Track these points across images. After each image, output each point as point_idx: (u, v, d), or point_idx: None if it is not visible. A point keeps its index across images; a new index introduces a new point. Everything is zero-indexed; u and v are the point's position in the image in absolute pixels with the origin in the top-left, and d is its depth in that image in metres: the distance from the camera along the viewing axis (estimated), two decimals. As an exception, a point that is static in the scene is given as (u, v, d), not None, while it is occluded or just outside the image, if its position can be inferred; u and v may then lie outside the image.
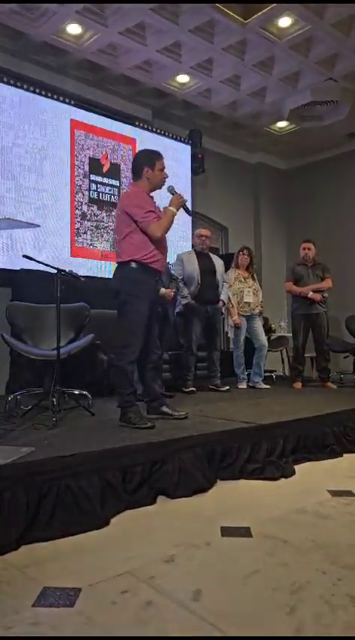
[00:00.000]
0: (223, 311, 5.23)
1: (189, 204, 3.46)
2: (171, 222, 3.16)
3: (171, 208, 3.17)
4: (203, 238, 5.07)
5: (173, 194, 3.26)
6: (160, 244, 3.18)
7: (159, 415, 3.31)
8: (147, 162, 3.19)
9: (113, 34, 5.22)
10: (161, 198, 3.34)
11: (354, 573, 1.61)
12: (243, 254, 5.53)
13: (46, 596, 1.47)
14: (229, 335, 5.50)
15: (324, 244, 6.63)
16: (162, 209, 3.24)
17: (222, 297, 5.08)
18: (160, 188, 3.28)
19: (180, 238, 6.32)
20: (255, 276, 5.62)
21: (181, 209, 3.27)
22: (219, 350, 5.16)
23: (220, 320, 5.23)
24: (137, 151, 3.35)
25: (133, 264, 3.09)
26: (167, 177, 3.27)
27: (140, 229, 3.09)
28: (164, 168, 3.24)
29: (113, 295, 3.20)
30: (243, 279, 5.44)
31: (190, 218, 5.44)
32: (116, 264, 3.26)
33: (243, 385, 5.37)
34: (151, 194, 3.27)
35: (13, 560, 1.74)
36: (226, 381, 5.25)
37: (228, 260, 5.68)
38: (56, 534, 1.92)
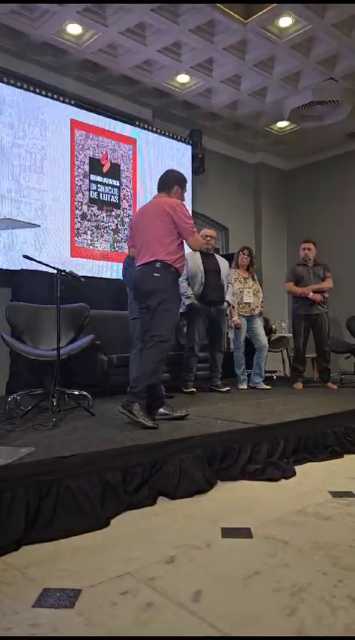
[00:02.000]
0: (228, 312, 5.22)
1: (189, 205, 3.58)
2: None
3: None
4: (208, 239, 5.05)
5: None
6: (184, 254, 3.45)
7: (159, 416, 3.33)
8: (180, 182, 3.47)
9: (113, 34, 5.22)
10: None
11: (355, 574, 1.60)
12: (243, 254, 5.52)
13: (46, 597, 1.47)
14: (229, 335, 5.50)
15: (325, 244, 6.63)
16: None
17: (227, 297, 5.08)
18: None
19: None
20: (255, 276, 5.61)
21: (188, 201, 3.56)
22: (222, 351, 5.15)
23: (224, 321, 5.22)
24: (169, 169, 3.62)
25: (171, 267, 3.29)
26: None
27: (182, 237, 3.33)
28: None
29: (145, 295, 3.30)
30: (242, 280, 5.44)
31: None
32: (145, 263, 3.31)
33: (244, 386, 5.36)
34: None
35: (13, 561, 1.73)
36: (226, 381, 5.24)
37: (229, 260, 5.67)
38: (56, 535, 1.92)
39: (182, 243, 3.36)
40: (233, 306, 5.25)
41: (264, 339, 5.46)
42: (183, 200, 3.48)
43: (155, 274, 3.24)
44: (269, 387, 5.41)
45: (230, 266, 5.60)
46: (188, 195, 6.59)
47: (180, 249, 3.34)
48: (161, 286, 3.23)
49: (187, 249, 3.43)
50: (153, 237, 3.29)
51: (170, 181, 3.42)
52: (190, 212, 3.72)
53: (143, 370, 3.21)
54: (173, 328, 3.29)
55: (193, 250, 3.36)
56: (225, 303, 5.06)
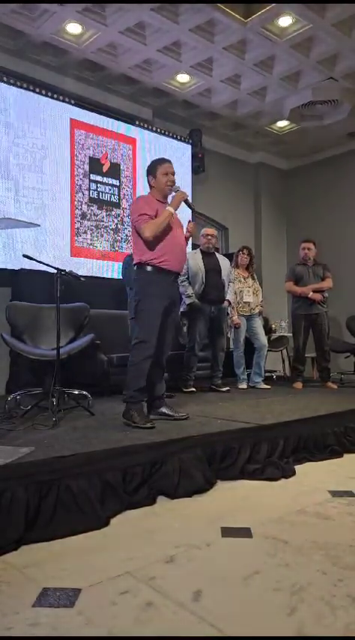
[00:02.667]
0: (229, 311, 5.21)
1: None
2: (164, 221, 3.16)
3: (168, 208, 3.22)
4: (209, 237, 5.04)
5: (176, 192, 3.31)
6: (168, 245, 3.20)
7: (159, 416, 3.32)
8: (150, 171, 3.36)
9: (113, 34, 5.21)
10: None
11: (355, 574, 1.60)
12: (243, 254, 5.52)
13: (45, 597, 1.47)
14: (229, 335, 5.50)
15: (325, 244, 6.63)
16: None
17: (228, 296, 5.07)
18: (169, 193, 3.31)
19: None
20: (254, 275, 5.61)
21: (184, 205, 3.32)
22: (223, 351, 5.13)
23: (225, 320, 5.20)
24: None
25: (146, 267, 3.20)
26: (172, 180, 3.31)
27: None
28: (169, 172, 3.30)
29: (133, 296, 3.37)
30: (242, 279, 5.43)
31: (191, 218, 5.44)
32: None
33: (244, 385, 5.36)
34: (163, 199, 3.33)
35: (13, 561, 1.73)
36: (226, 381, 5.24)
37: (229, 260, 5.67)
38: (56, 534, 1.92)
39: (160, 239, 3.19)
40: (233, 306, 5.25)
41: (263, 338, 5.45)
42: (168, 181, 3.27)
43: (135, 277, 3.29)
44: (268, 387, 5.41)
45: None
46: (188, 194, 6.62)
47: (154, 244, 3.16)
48: (137, 287, 3.27)
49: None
50: (133, 242, 3.34)
51: (147, 178, 3.39)
52: (192, 205, 3.56)
53: (128, 375, 3.20)
54: (150, 327, 3.15)
55: (145, 238, 3.10)
56: (226, 302, 5.05)
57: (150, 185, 3.37)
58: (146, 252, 3.19)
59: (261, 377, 5.46)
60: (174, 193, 3.30)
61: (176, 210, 3.26)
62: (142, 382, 3.15)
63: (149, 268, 3.19)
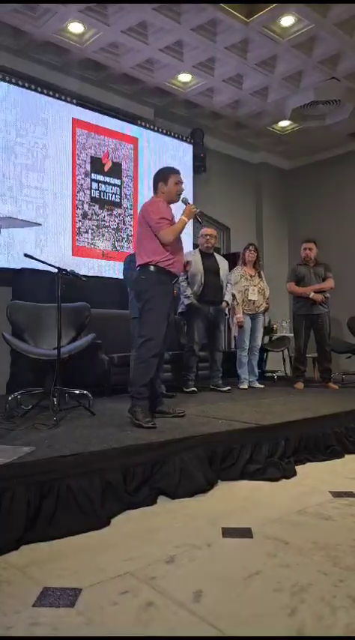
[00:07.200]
0: (226, 312, 5.20)
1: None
2: (182, 229, 3.38)
3: (183, 218, 3.40)
4: (208, 237, 5.02)
5: (186, 204, 3.46)
6: (175, 249, 3.37)
7: (157, 414, 3.36)
8: (161, 177, 3.46)
9: (115, 33, 5.21)
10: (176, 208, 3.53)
11: (356, 575, 1.60)
12: (250, 250, 5.48)
13: (46, 597, 1.47)
14: (234, 334, 5.48)
15: (326, 244, 6.62)
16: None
17: (226, 297, 5.05)
18: (176, 201, 3.48)
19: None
20: (261, 273, 5.57)
21: (192, 219, 3.49)
22: (221, 351, 5.13)
23: (223, 321, 5.20)
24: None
25: (152, 267, 3.30)
26: (182, 190, 3.48)
27: (154, 234, 3.32)
28: (179, 182, 3.46)
29: (136, 296, 3.50)
30: (248, 277, 5.40)
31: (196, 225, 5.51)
32: (138, 268, 3.44)
33: (245, 386, 5.35)
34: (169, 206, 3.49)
35: (14, 560, 1.73)
36: (226, 381, 5.23)
37: (230, 260, 5.65)
38: (57, 534, 1.92)
39: (170, 243, 3.33)
40: (237, 303, 5.23)
41: (259, 339, 5.47)
42: (178, 190, 3.43)
43: (141, 277, 3.36)
44: (263, 386, 5.41)
45: (235, 264, 5.58)
46: (189, 194, 6.63)
47: (163, 246, 3.30)
48: (143, 288, 3.34)
49: (186, 249, 3.48)
50: (138, 242, 3.44)
51: (155, 182, 3.48)
52: (201, 222, 3.73)
53: (134, 372, 3.29)
54: (158, 326, 3.26)
55: (165, 242, 3.28)
56: (224, 303, 5.04)
57: (158, 190, 3.45)
58: (157, 253, 3.30)
59: (255, 376, 5.49)
60: (181, 203, 3.48)
61: (188, 221, 3.44)
62: (148, 378, 3.25)
63: (157, 269, 3.29)
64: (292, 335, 6.13)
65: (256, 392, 5.16)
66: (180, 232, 3.38)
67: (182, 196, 3.47)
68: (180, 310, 4.98)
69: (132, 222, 6.27)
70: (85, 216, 5.90)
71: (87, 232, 5.91)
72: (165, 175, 3.44)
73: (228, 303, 5.10)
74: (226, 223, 7.86)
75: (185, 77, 6.09)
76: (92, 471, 2.22)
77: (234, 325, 5.35)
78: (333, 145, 7.88)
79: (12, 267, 5.15)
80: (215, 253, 5.18)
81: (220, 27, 5.19)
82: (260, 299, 5.39)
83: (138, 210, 3.70)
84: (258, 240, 8.20)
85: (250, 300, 5.32)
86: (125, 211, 6.26)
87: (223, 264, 5.10)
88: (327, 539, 1.89)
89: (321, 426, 3.35)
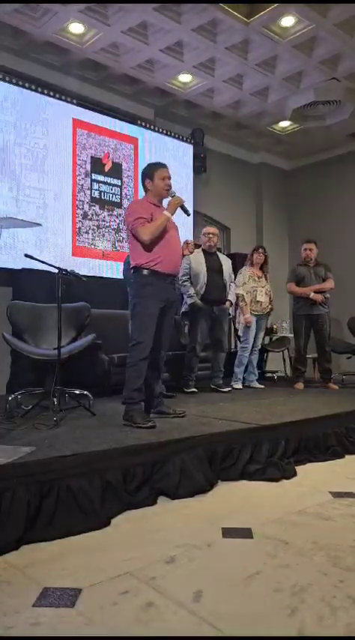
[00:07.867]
0: (230, 311, 5.19)
1: (190, 204, 3.52)
2: (162, 225, 3.23)
3: (165, 213, 3.29)
4: (210, 236, 5.00)
5: (172, 197, 3.36)
6: (163, 248, 3.26)
7: (157, 414, 3.36)
8: (148, 174, 3.38)
9: (115, 33, 5.21)
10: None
11: (356, 575, 1.60)
12: (259, 253, 5.50)
13: (46, 597, 1.47)
14: (239, 333, 5.49)
15: (326, 244, 6.62)
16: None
17: (230, 297, 5.03)
18: (166, 197, 3.39)
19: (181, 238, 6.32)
20: (267, 276, 5.60)
21: (180, 210, 3.37)
22: (225, 351, 5.10)
23: (227, 321, 5.17)
24: None
25: (141, 270, 3.25)
26: (169, 184, 3.36)
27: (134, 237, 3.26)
28: (166, 177, 3.36)
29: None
30: (256, 279, 5.42)
31: (191, 219, 5.43)
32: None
33: (239, 385, 5.33)
34: (158, 203, 3.39)
35: (14, 560, 1.73)
36: (225, 380, 5.22)
37: (230, 260, 5.65)
38: (57, 534, 1.92)
39: (156, 242, 3.24)
40: (246, 303, 5.24)
41: (260, 340, 5.48)
42: (166, 185, 3.32)
43: (130, 281, 3.36)
44: (262, 386, 5.41)
45: (241, 265, 5.58)
46: (189, 194, 6.63)
47: (147, 247, 3.22)
48: (132, 291, 3.34)
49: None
50: (130, 246, 3.41)
51: (142, 181, 3.41)
52: (191, 210, 3.61)
53: (126, 376, 3.26)
54: (146, 329, 3.20)
55: (142, 241, 3.17)
56: (228, 303, 5.02)
57: (146, 188, 3.40)
58: (142, 256, 3.25)
59: (255, 376, 5.49)
60: (169, 198, 3.36)
61: (172, 215, 3.33)
62: (139, 382, 3.20)
63: (144, 272, 3.25)
64: (292, 335, 6.13)
65: (256, 392, 5.15)
66: (160, 228, 3.21)
67: (170, 191, 3.35)
68: (183, 310, 4.95)
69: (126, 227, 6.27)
70: (85, 216, 5.90)
71: (87, 232, 5.91)
72: (150, 172, 3.37)
73: (231, 303, 5.08)
74: (226, 223, 7.86)
75: (185, 77, 6.09)
76: (92, 471, 2.22)
77: (240, 325, 5.35)
78: (333, 145, 7.88)
79: (12, 267, 5.15)
80: (218, 252, 5.17)
81: (220, 27, 5.19)
82: (266, 300, 5.42)
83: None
84: (258, 240, 8.20)
85: (258, 302, 5.34)
86: (125, 211, 6.26)
87: (226, 263, 5.08)
88: (327, 539, 1.89)
89: (321, 427, 3.35)
